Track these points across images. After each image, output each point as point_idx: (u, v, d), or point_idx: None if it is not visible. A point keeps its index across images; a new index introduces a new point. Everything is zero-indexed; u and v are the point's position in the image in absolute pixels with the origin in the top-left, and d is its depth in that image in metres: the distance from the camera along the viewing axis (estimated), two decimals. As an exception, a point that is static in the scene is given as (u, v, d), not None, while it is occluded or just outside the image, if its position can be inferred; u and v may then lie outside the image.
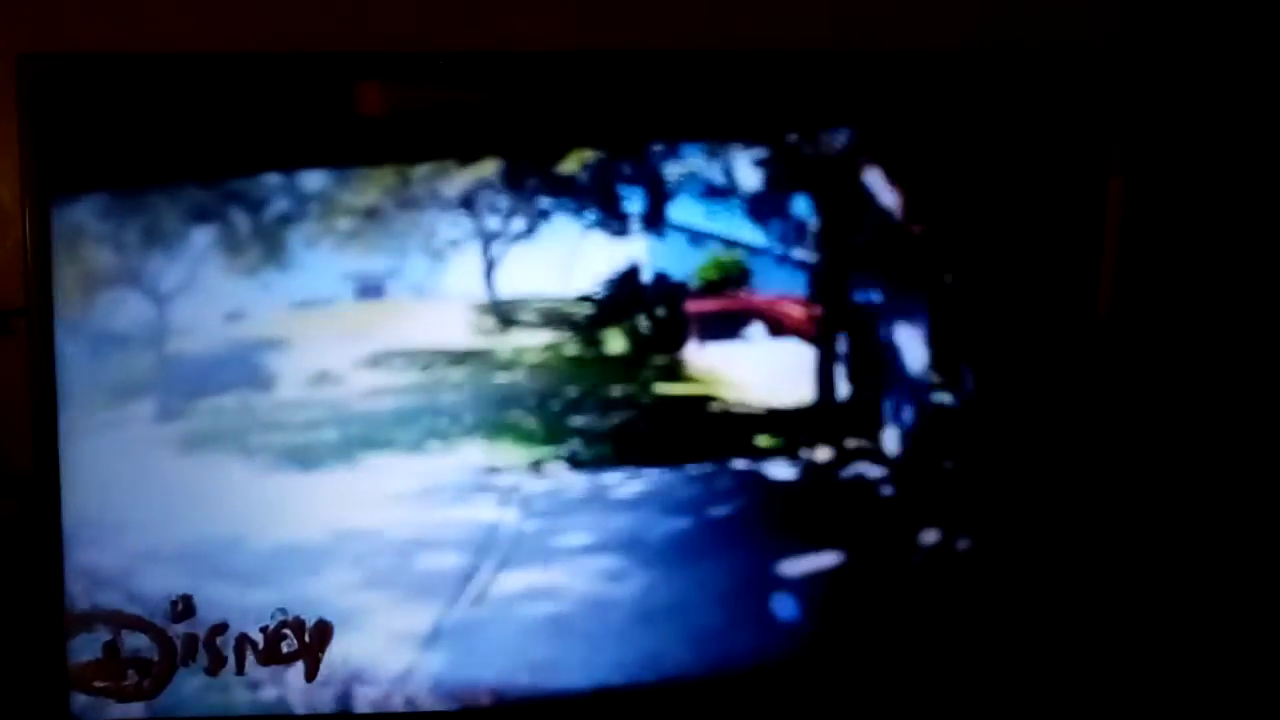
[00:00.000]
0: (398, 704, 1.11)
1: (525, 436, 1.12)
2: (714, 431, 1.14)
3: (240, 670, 1.08)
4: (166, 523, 1.09)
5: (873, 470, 1.15)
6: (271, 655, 1.08)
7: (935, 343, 1.15)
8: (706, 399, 1.14)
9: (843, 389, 1.15)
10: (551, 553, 1.12)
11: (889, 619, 1.17)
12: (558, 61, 1.11)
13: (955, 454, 1.16)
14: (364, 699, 1.11)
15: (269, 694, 1.11)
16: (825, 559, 1.15)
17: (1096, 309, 1.15)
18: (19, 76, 1.04)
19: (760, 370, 1.14)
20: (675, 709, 1.14)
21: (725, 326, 1.14)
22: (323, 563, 1.10)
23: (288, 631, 1.09)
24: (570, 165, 1.11)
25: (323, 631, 1.09)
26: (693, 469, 1.14)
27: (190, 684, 1.09)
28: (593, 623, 1.13)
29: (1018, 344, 1.15)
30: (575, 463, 1.13)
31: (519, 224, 1.11)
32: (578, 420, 1.13)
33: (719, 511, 1.14)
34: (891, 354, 1.15)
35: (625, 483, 1.13)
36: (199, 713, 1.10)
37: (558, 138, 1.10)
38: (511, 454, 1.12)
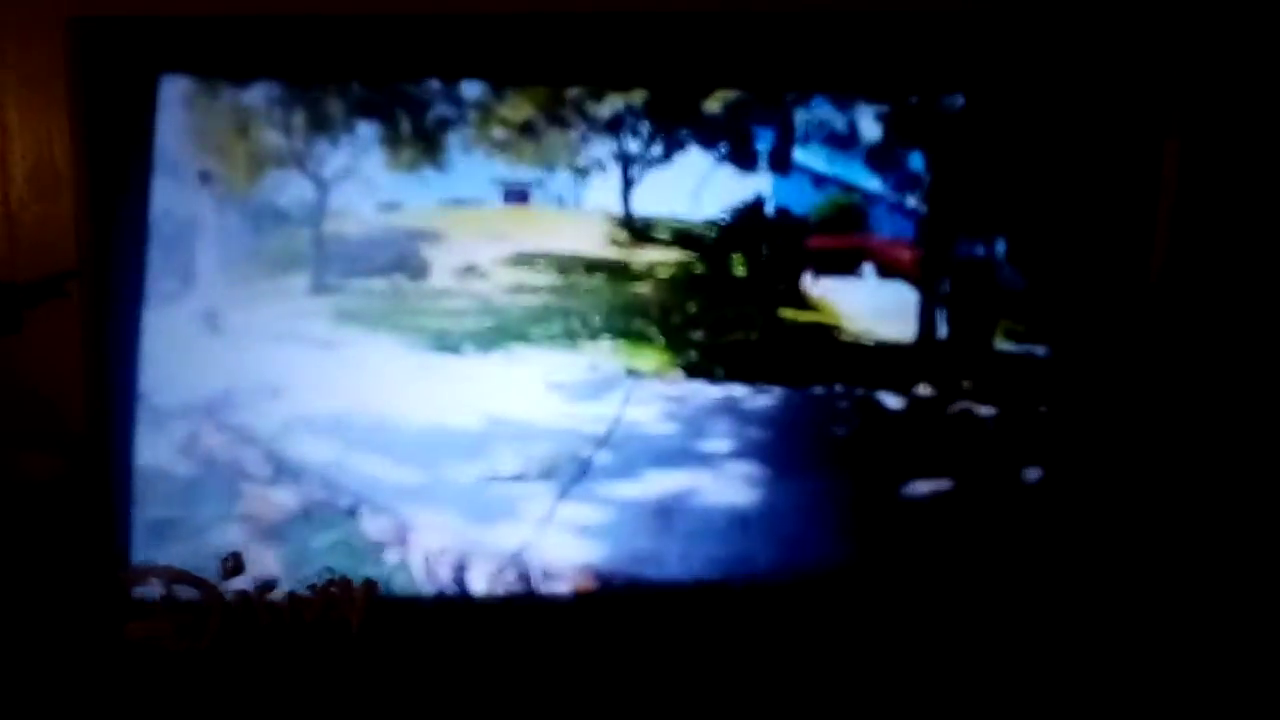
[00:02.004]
0: (510, 580, 1.16)
1: (649, 344, 1.20)
2: (822, 356, 1.22)
3: (290, 625, 1.09)
4: (316, 390, 1.14)
5: (967, 406, 1.23)
6: (319, 610, 1.09)
7: (1013, 295, 1.23)
8: (817, 326, 1.23)
9: (942, 330, 1.23)
10: (663, 453, 1.19)
11: (968, 543, 1.24)
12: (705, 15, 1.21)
13: (1030, 398, 1.23)
14: (480, 573, 1.17)
15: (392, 558, 1.16)
16: (921, 485, 1.22)
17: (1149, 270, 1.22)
18: (70, 40, 1.08)
19: (868, 306, 1.22)
20: (763, 607, 1.19)
21: (839, 263, 1.23)
22: (453, 442, 1.16)
23: (334, 590, 1.11)
24: (712, 103, 1.20)
25: (368, 590, 1.10)
26: (799, 389, 1.22)
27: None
28: (695, 521, 1.19)
29: (1087, 298, 1.23)
30: (693, 372, 1.20)
31: (658, 150, 1.20)
32: (698, 334, 1.21)
33: (821, 430, 1.22)
34: (984, 302, 1.24)
35: (736, 395, 1.21)
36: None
37: (704, 77, 1.20)
38: (635, 358, 1.19)
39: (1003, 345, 1.24)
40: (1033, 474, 1.24)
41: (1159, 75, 1.21)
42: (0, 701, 1.08)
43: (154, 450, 1.13)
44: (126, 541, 1.13)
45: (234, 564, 1.07)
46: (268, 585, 1.07)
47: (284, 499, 1.14)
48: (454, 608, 1.17)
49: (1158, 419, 1.25)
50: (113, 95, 1.09)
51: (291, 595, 1.06)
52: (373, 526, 1.15)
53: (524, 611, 1.17)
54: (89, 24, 1.09)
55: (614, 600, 1.17)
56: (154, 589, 1.07)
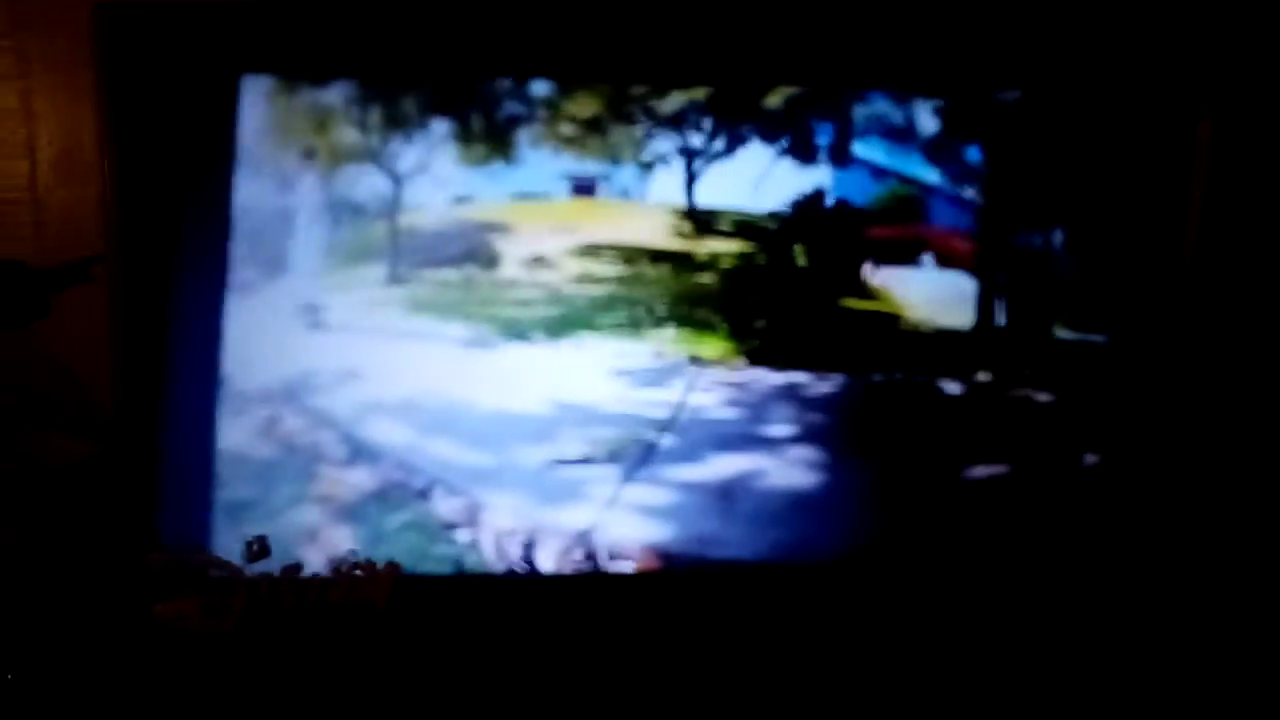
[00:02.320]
0: (578, 559, 1.20)
1: (712, 332, 1.23)
2: (882, 344, 1.25)
3: (314, 606, 1.09)
4: (392, 377, 1.18)
5: (1026, 393, 1.25)
6: (343, 593, 1.10)
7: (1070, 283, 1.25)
8: (877, 314, 1.25)
9: (1000, 318, 1.25)
10: (726, 438, 1.22)
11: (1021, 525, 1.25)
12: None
13: (1082, 385, 1.25)
14: (548, 552, 1.20)
15: (463, 537, 1.20)
16: (979, 470, 1.24)
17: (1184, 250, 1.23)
18: (97, 27, 1.09)
19: (928, 295, 1.25)
20: (821, 588, 1.22)
21: (898, 253, 1.25)
22: (522, 427, 1.20)
23: (359, 573, 1.11)
24: (773, 98, 1.23)
25: (392, 573, 1.10)
26: (860, 376, 1.24)
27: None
28: (757, 504, 1.22)
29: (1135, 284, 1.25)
30: (755, 359, 1.23)
31: (720, 144, 1.23)
32: (760, 322, 1.24)
33: (881, 415, 1.24)
34: (1042, 290, 1.26)
35: (798, 381, 1.24)
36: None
37: (765, 73, 1.23)
38: (698, 346, 1.22)
39: (1062, 333, 1.26)
40: (1090, 459, 1.25)
41: (1193, 58, 1.22)
42: (30, 679, 1.11)
43: (234, 433, 1.16)
44: (156, 523, 1.16)
45: (259, 547, 1.08)
46: (293, 567, 1.08)
47: (359, 480, 1.18)
48: (523, 585, 1.19)
49: (1198, 400, 1.26)
50: (141, 84, 1.11)
51: (316, 577, 1.08)
52: (445, 507, 1.19)
53: (591, 588, 1.19)
54: (115, 11, 1.11)
55: (677, 579, 1.20)
56: (181, 570, 1.09)
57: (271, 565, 1.07)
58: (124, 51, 1.10)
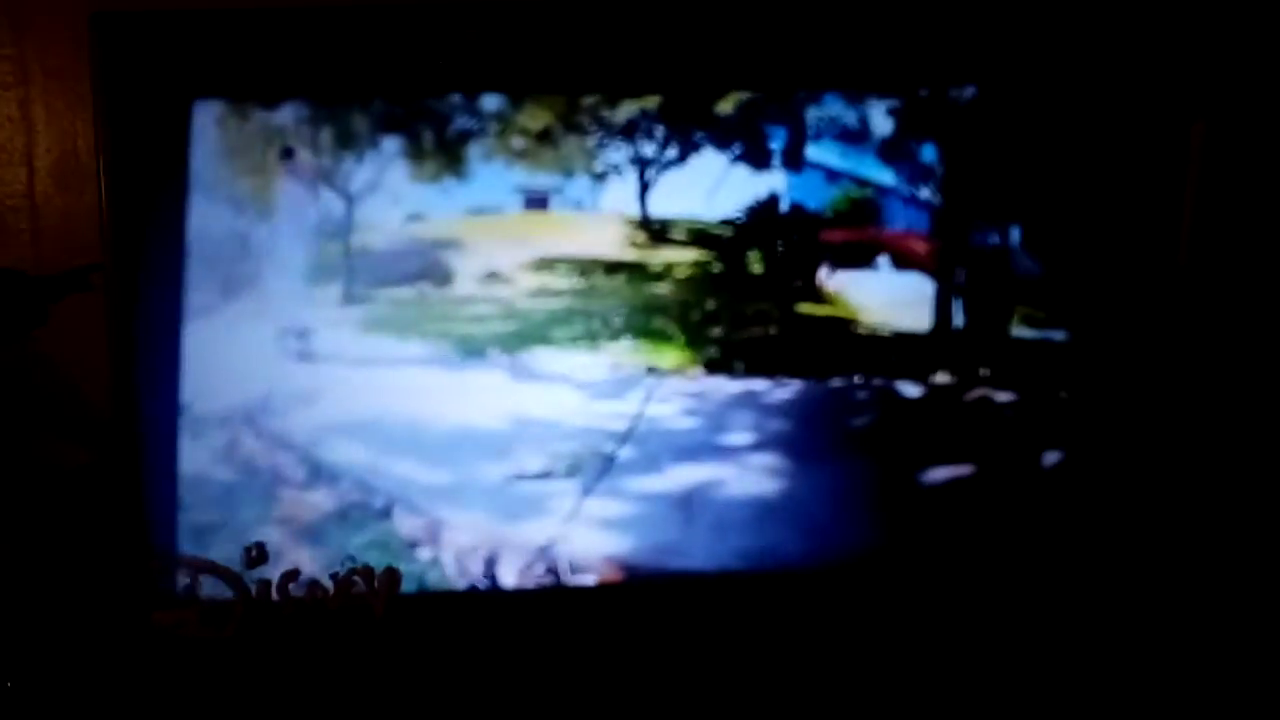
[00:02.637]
0: (539, 573, 1.20)
1: (669, 341, 1.23)
2: (840, 349, 1.25)
3: (312, 614, 1.09)
4: (350, 396, 1.19)
5: (986, 394, 1.25)
6: (341, 599, 1.09)
7: (1032, 282, 1.24)
8: (834, 319, 1.25)
9: (958, 319, 1.25)
10: (685, 448, 1.22)
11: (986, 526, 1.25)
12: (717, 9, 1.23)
13: (1048, 383, 1.25)
14: (509, 567, 1.21)
15: (424, 556, 1.21)
16: (940, 471, 1.24)
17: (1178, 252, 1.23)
18: (93, 35, 1.10)
19: (885, 298, 1.25)
20: (785, 595, 1.22)
21: (854, 256, 1.25)
22: (483, 443, 1.20)
23: (357, 579, 1.10)
24: (725, 104, 1.23)
25: (391, 579, 1.09)
26: (819, 381, 1.24)
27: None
28: (718, 513, 1.22)
29: (1106, 283, 1.25)
30: (712, 368, 1.23)
31: (672, 152, 1.23)
32: (717, 330, 1.24)
33: (840, 420, 1.24)
34: (1000, 290, 1.25)
35: (756, 389, 1.24)
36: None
37: (716, 79, 1.22)
38: (656, 356, 1.22)
39: (1020, 332, 1.25)
40: (1051, 458, 1.25)
41: (1185, 58, 1.21)
42: (30, 687, 1.12)
43: (195, 457, 1.17)
44: (154, 530, 1.16)
45: (258, 553, 1.08)
46: (291, 574, 1.08)
47: (320, 501, 1.18)
48: (485, 600, 1.20)
49: (1184, 402, 1.25)
50: (137, 93, 1.12)
51: (314, 584, 1.07)
52: (406, 525, 1.19)
53: (553, 603, 1.20)
54: (112, 19, 1.11)
55: (640, 590, 1.20)
56: (180, 578, 1.10)
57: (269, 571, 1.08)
58: (120, 59, 1.11)
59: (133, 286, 1.14)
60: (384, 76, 1.20)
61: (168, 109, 1.14)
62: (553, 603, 1.20)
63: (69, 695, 1.13)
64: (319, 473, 1.19)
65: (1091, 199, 1.25)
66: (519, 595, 1.20)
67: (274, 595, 1.06)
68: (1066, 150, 1.25)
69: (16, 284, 1.18)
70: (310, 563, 1.18)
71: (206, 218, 1.18)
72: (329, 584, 1.08)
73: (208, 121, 1.16)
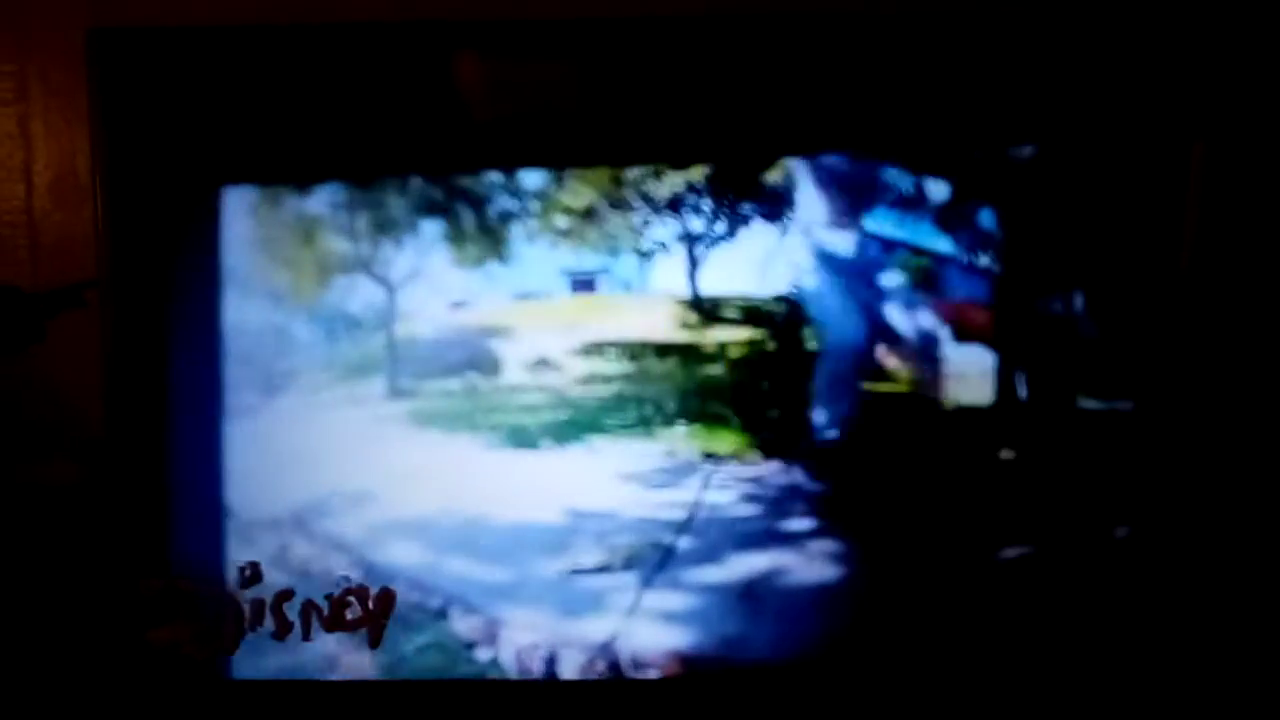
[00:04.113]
0: (600, 669, 1.18)
1: (725, 425, 1.20)
2: (905, 427, 1.21)
3: (306, 636, 1.07)
4: (400, 494, 1.16)
5: (1054, 467, 1.22)
6: (336, 622, 1.06)
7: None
8: (898, 395, 1.21)
9: (1021, 391, 1.21)
10: (745, 535, 1.19)
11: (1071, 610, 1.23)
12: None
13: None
14: (570, 665, 1.18)
15: (483, 656, 1.18)
16: (1009, 550, 1.21)
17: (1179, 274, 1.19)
18: (90, 51, 1.09)
19: (946, 371, 1.21)
20: (853, 684, 1.20)
21: (914, 329, 1.21)
22: (537, 537, 1.18)
23: (352, 599, 1.06)
24: (775, 174, 1.18)
25: (385, 599, 1.06)
26: (882, 460, 1.21)
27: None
28: (780, 602, 1.20)
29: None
30: (770, 452, 1.20)
31: (721, 227, 1.19)
32: (775, 411, 1.20)
33: (909, 501, 1.21)
34: (1064, 359, 1.22)
35: (816, 472, 1.20)
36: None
37: (764, 147, 1.18)
38: (712, 441, 1.19)
39: (1087, 403, 1.22)
40: (1121, 532, 1.22)
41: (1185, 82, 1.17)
42: (22, 706, 1.12)
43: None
44: (148, 548, 1.15)
45: (252, 573, 1.05)
46: (285, 594, 1.05)
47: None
48: (547, 692, 1.18)
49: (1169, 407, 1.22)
50: (134, 105, 1.10)
51: (309, 605, 1.05)
52: (463, 625, 1.17)
53: (616, 696, 1.18)
54: (109, 34, 1.10)
55: (703, 682, 1.18)
56: (174, 596, 1.06)
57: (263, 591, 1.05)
58: (118, 75, 1.09)
59: (128, 304, 1.13)
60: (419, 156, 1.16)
61: (170, 130, 1.11)
62: (615, 697, 1.18)
63: (61, 714, 1.13)
64: (373, 574, 1.15)
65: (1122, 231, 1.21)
66: (580, 688, 1.18)
67: (268, 616, 1.04)
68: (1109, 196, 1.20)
69: (12, 300, 1.17)
70: (370, 668, 1.15)
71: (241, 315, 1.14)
72: (324, 605, 1.05)
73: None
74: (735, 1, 1.19)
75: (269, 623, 1.04)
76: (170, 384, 1.15)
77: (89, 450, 1.20)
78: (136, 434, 1.14)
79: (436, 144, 1.17)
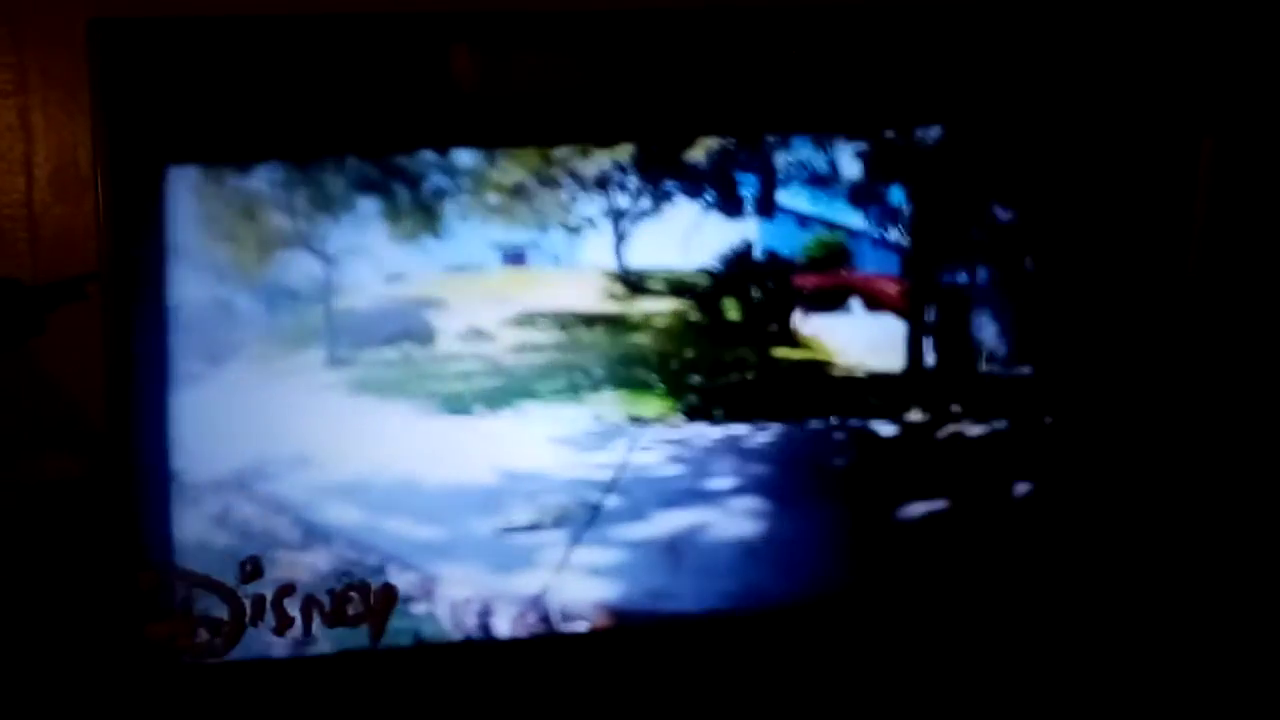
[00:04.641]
0: (532, 622, 1.24)
1: (650, 391, 1.26)
2: (816, 391, 1.28)
3: (308, 632, 1.10)
4: (339, 458, 1.21)
5: (961, 429, 1.29)
6: (337, 617, 1.09)
7: (1020, 317, 1.28)
8: (810, 363, 1.28)
9: (930, 359, 1.29)
10: (670, 494, 1.26)
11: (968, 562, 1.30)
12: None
13: (1037, 416, 1.29)
14: (503, 618, 1.24)
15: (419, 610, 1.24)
16: (918, 508, 1.29)
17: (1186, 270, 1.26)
18: (90, 41, 1.08)
19: (858, 340, 1.28)
20: (774, 635, 1.26)
21: (827, 300, 1.28)
22: (470, 498, 1.23)
23: (354, 594, 1.09)
24: (696, 152, 1.25)
25: (388, 595, 1.09)
26: (797, 424, 1.28)
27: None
28: (704, 557, 1.26)
29: (1108, 308, 1.28)
30: (693, 415, 1.26)
31: (646, 203, 1.25)
32: (696, 378, 1.27)
33: (819, 462, 1.28)
34: (976, 326, 1.29)
35: (737, 434, 1.27)
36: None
37: (686, 126, 1.24)
38: (637, 406, 1.25)
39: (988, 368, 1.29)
40: (1022, 489, 1.29)
41: (1193, 74, 1.24)
42: (20, 702, 1.14)
43: (192, 524, 1.19)
44: (148, 542, 1.17)
45: (253, 568, 1.07)
46: (286, 589, 1.07)
47: (315, 562, 1.21)
48: (481, 650, 1.23)
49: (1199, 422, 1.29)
50: (139, 99, 1.11)
51: (310, 600, 1.07)
52: (400, 582, 1.21)
53: (546, 650, 1.24)
54: (109, 25, 1.10)
55: (630, 634, 1.24)
56: (173, 591, 1.10)
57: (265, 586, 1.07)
58: (119, 66, 1.10)
59: (129, 298, 1.13)
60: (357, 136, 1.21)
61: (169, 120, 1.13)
62: (546, 650, 1.24)
63: (60, 709, 1.15)
64: (313, 534, 1.21)
65: (1100, 217, 1.27)
66: (513, 645, 1.23)
67: (269, 611, 1.06)
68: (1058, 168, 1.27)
69: (12, 293, 1.19)
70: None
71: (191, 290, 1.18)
72: (325, 600, 1.08)
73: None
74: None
75: (269, 618, 1.06)
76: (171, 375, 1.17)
77: (89, 444, 1.22)
78: (137, 427, 1.15)
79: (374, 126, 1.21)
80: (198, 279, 1.19)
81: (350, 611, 1.08)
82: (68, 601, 1.20)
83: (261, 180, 1.19)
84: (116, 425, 1.14)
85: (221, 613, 1.07)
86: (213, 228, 1.18)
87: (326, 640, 1.13)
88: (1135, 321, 1.28)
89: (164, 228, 1.15)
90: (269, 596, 1.07)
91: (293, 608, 1.07)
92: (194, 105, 1.14)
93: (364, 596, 1.07)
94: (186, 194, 1.18)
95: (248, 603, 1.06)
